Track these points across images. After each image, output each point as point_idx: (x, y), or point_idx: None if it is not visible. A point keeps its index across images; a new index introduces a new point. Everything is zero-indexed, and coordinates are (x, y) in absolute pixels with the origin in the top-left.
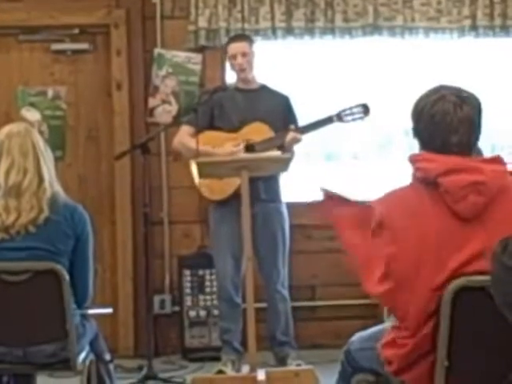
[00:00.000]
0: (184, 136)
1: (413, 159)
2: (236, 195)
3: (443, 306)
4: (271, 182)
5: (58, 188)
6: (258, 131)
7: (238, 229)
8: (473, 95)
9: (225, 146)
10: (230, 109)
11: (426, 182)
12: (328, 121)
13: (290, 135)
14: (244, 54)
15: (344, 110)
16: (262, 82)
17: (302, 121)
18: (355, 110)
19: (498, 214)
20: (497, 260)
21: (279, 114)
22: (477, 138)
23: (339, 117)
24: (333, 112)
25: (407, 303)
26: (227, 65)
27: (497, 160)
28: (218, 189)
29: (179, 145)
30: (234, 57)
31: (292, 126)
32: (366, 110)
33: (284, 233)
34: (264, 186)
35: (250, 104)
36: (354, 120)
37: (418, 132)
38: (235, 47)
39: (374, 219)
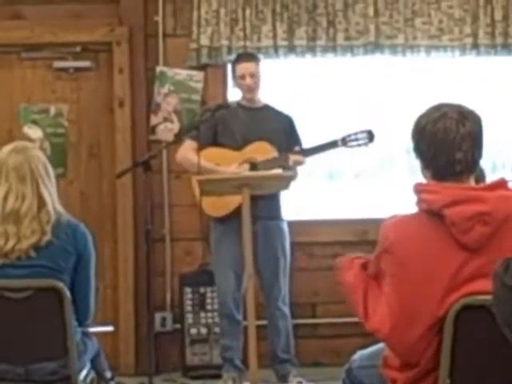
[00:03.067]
0: (188, 150)
1: (417, 189)
2: (237, 212)
3: (445, 324)
4: (272, 200)
5: (60, 208)
6: (261, 150)
7: (239, 246)
8: (473, 111)
9: (230, 165)
10: (233, 126)
11: (430, 213)
12: (332, 145)
13: (294, 157)
14: (252, 75)
15: (349, 135)
16: (265, 101)
17: (304, 139)
18: (360, 135)
19: (505, 242)
20: (498, 280)
21: (282, 134)
22: (480, 155)
23: (344, 141)
24: (337, 136)
25: (407, 335)
26: (229, 82)
27: (501, 185)
28: (219, 206)
29: (182, 159)
30: (242, 77)
31: (296, 148)
32: (370, 136)
33: (284, 250)
34: (265, 204)
35: (253, 122)
36: (358, 146)
37: (420, 151)
38: (244, 67)
39: (380, 242)
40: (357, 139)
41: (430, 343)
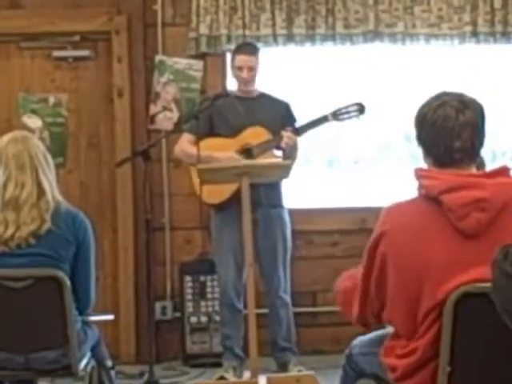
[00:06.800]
0: (185, 144)
1: (417, 175)
2: (237, 200)
3: (445, 311)
4: (273, 188)
5: (59, 197)
6: (256, 135)
7: (240, 234)
8: (475, 100)
9: (224, 152)
10: (229, 116)
11: (429, 198)
12: (323, 120)
13: (285, 135)
14: (250, 69)
15: (339, 109)
16: (261, 89)
17: None
18: (350, 108)
19: (504, 229)
20: (498, 267)
21: (279, 120)
22: (481, 144)
23: (335, 115)
24: (328, 111)
25: (404, 317)
26: (229, 71)
27: (502, 172)
28: (215, 192)
29: (180, 153)
30: (240, 69)
31: (288, 128)
32: (361, 108)
33: (285, 238)
34: (265, 192)
35: (249, 111)
36: (349, 118)
37: (421, 139)
38: (243, 60)
39: (378, 227)
40: (347, 112)
41: (429, 328)
